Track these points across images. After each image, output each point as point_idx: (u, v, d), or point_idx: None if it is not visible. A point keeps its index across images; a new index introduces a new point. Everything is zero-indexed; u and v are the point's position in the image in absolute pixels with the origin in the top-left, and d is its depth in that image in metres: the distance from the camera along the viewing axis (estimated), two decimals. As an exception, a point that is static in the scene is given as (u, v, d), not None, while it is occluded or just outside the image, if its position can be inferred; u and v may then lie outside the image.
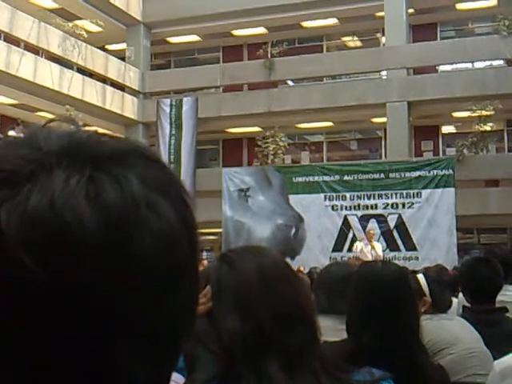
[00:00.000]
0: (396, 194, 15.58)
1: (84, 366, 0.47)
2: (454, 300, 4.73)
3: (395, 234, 15.41)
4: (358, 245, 14.40)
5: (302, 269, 11.55)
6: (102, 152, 0.51)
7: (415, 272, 3.90)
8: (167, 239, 0.50)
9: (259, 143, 19.18)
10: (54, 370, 0.46)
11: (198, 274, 0.56)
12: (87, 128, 0.56)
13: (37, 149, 0.50)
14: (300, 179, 16.47)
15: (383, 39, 20.96)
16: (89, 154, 0.50)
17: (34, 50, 17.96)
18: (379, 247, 14.16)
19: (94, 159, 0.50)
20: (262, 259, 1.50)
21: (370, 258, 12.72)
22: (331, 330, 2.64)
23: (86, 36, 18.73)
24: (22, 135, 0.54)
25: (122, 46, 22.34)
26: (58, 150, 0.50)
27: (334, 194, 16.07)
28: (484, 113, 17.54)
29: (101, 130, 0.57)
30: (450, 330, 3.17)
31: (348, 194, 15.96)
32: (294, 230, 16.40)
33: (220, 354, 1.42)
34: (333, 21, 21.56)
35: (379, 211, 15.62)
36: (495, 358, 2.45)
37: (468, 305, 3.79)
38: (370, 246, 13.91)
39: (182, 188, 0.55)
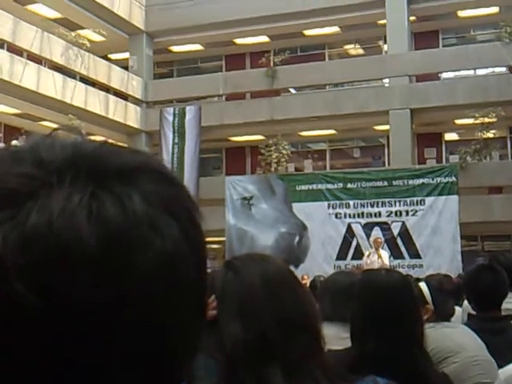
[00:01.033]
0: (399, 201, 15.57)
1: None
2: (457, 308, 4.71)
3: (399, 241, 15.38)
4: (370, 251, 14.23)
5: (306, 277, 11.54)
6: (106, 168, 0.49)
7: (419, 280, 3.90)
8: (170, 260, 0.49)
9: (262, 151, 19.19)
10: None
11: (204, 295, 0.54)
12: (92, 137, 0.55)
13: (39, 163, 0.49)
14: (303, 187, 16.46)
15: (385, 47, 20.99)
16: (92, 170, 0.49)
17: (37, 59, 18.02)
18: (386, 256, 14.06)
19: (97, 176, 0.48)
20: (266, 267, 1.51)
21: (376, 266, 12.67)
22: (335, 338, 2.64)
23: (88, 45, 18.80)
24: (24, 145, 0.52)
25: (125, 55, 22.40)
26: (60, 163, 0.49)
27: (338, 202, 16.06)
28: (487, 120, 17.54)
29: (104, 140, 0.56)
30: (453, 338, 3.15)
31: (351, 202, 15.94)
32: (297, 238, 16.38)
33: (222, 360, 1.42)
34: (335, 29, 21.61)
35: (383, 219, 15.60)
36: (500, 367, 2.44)
37: (473, 312, 3.77)
38: (376, 255, 13.85)
39: (192, 206, 0.53)
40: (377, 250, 14.00)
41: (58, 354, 0.45)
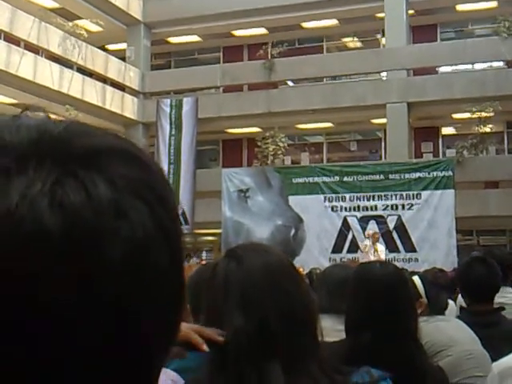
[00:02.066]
0: (396, 195, 15.57)
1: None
2: (451, 302, 4.73)
3: (395, 235, 15.40)
4: (366, 243, 14.24)
5: (301, 270, 11.55)
6: (71, 151, 0.47)
7: (414, 274, 3.91)
8: (139, 246, 0.46)
9: (259, 144, 19.19)
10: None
11: (180, 286, 0.51)
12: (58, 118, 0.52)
13: (1, 148, 0.46)
14: (300, 180, 16.45)
15: (383, 40, 20.97)
16: (57, 154, 0.46)
17: (34, 49, 17.96)
18: (383, 250, 14.06)
19: (61, 160, 0.46)
20: (269, 257, 1.51)
21: (372, 259, 12.67)
22: (331, 330, 2.65)
23: (86, 36, 18.74)
24: None
25: (123, 45, 22.34)
26: (24, 148, 0.46)
27: (334, 195, 16.06)
28: (484, 114, 17.56)
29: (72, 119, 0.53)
30: (447, 332, 3.17)
31: (348, 195, 15.94)
32: (293, 231, 16.39)
33: (215, 351, 1.42)
34: (333, 22, 21.57)
35: (379, 212, 15.61)
36: (493, 360, 2.46)
37: (465, 306, 3.79)
38: (373, 249, 13.86)
39: (165, 191, 0.51)
40: (374, 244, 14.01)
41: (16, 341, 0.44)
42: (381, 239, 14.98)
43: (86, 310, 0.45)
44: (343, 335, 2.30)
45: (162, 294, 0.49)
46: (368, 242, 14.12)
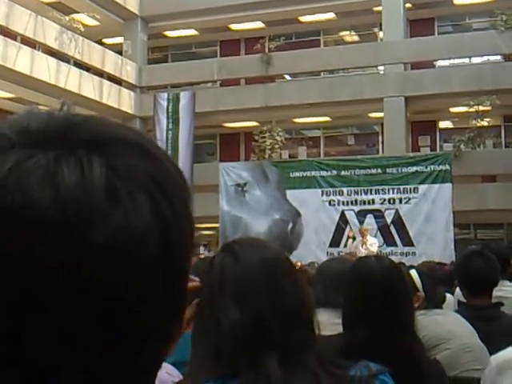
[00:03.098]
0: (393, 189, 15.58)
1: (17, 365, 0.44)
2: (449, 295, 4.73)
3: (392, 229, 15.41)
4: (350, 243, 14.51)
5: (298, 264, 11.55)
6: (77, 137, 0.48)
7: (412, 267, 3.91)
8: (131, 236, 0.46)
9: (256, 138, 19.18)
10: None
11: (176, 278, 0.50)
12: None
13: (15, 127, 0.48)
14: (297, 174, 16.44)
15: (381, 34, 20.94)
16: (63, 137, 0.47)
17: (31, 43, 17.91)
18: (375, 241, 14.10)
19: (65, 142, 0.47)
20: (265, 252, 1.51)
21: (363, 253, 12.71)
22: (328, 324, 2.65)
23: (82, 30, 18.69)
24: (18, 115, 0.51)
25: (119, 39, 22.29)
26: (35, 130, 0.48)
27: (331, 189, 16.06)
28: (481, 108, 17.56)
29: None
30: (445, 326, 3.17)
31: (345, 189, 15.94)
32: (290, 225, 16.39)
33: (207, 345, 1.42)
34: (330, 15, 21.54)
35: (376, 206, 15.62)
36: (491, 353, 2.46)
37: (464, 300, 3.79)
38: (361, 243, 13.92)
39: (172, 184, 0.51)
40: (363, 237, 14.06)
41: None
42: (374, 234, 15.03)
43: (68, 294, 0.44)
44: (340, 329, 2.31)
45: (155, 287, 0.48)
46: (354, 242, 14.29)
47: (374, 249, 13.56)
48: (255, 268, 1.46)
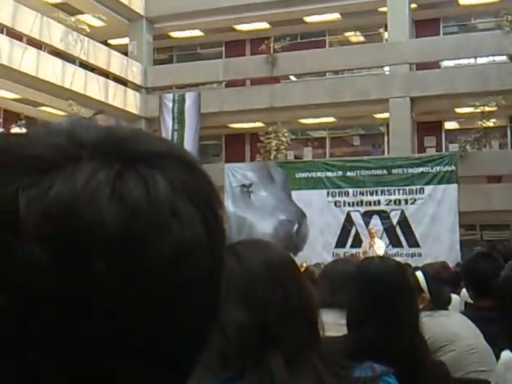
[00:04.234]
0: (399, 190, 15.57)
1: (76, 370, 0.46)
2: (455, 297, 4.73)
3: (398, 230, 15.41)
4: (365, 244, 14.41)
5: (304, 264, 11.56)
6: (135, 151, 0.49)
7: (418, 269, 3.91)
8: (187, 248, 0.48)
9: (262, 139, 19.17)
10: (45, 372, 0.45)
11: (217, 290, 0.53)
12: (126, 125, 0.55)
13: (71, 139, 0.49)
14: (302, 175, 16.46)
15: (386, 34, 20.92)
16: (122, 152, 0.49)
17: (37, 44, 17.95)
18: (382, 245, 14.06)
19: (125, 157, 0.48)
20: (269, 253, 1.51)
21: (370, 255, 12.68)
22: (333, 325, 2.65)
23: (88, 30, 18.71)
24: (61, 123, 0.52)
25: (125, 40, 22.32)
26: (92, 143, 0.49)
27: (337, 190, 16.07)
28: (487, 109, 17.51)
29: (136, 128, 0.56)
30: (450, 327, 3.17)
31: (351, 190, 15.95)
32: (296, 226, 16.40)
33: (222, 351, 1.42)
34: (336, 16, 21.52)
35: (382, 207, 15.62)
36: (497, 355, 2.46)
37: (470, 301, 3.78)
38: (369, 245, 13.89)
39: (214, 197, 0.53)
40: (371, 239, 14.04)
41: (57, 318, 0.45)
42: (380, 235, 15.02)
43: (131, 302, 0.46)
44: (345, 330, 2.31)
45: (199, 296, 0.50)
46: (366, 242, 14.24)
47: (381, 252, 13.52)
48: (259, 269, 1.46)
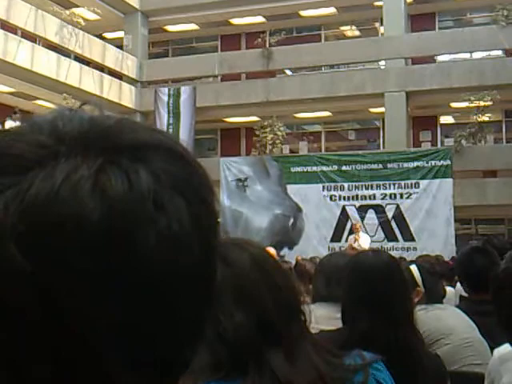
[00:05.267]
0: (394, 184, 15.58)
1: (68, 371, 0.45)
2: (450, 290, 4.74)
3: (393, 224, 15.42)
4: (350, 239, 14.50)
5: (299, 258, 11.56)
6: (118, 143, 0.48)
7: (413, 262, 3.91)
8: (174, 239, 0.47)
9: (257, 133, 19.16)
10: (36, 374, 0.45)
11: (212, 282, 0.52)
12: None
13: (52, 133, 0.48)
14: (298, 169, 16.45)
15: (381, 29, 20.91)
16: (105, 144, 0.48)
17: (31, 37, 17.89)
18: (366, 239, 14.01)
19: (108, 150, 0.48)
20: (252, 250, 1.50)
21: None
22: (329, 318, 2.66)
23: (83, 24, 18.66)
24: (45, 116, 0.51)
25: (120, 34, 22.26)
26: (75, 135, 0.48)
27: (332, 184, 16.06)
28: (482, 103, 17.53)
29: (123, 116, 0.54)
30: (445, 320, 3.18)
31: (346, 185, 15.95)
32: (292, 220, 16.40)
33: (221, 354, 1.41)
34: (331, 10, 21.50)
35: (377, 202, 15.62)
36: (491, 348, 2.47)
37: (465, 295, 3.80)
38: (354, 239, 13.92)
39: (206, 187, 0.52)
40: (356, 234, 14.06)
41: (43, 334, 0.44)
42: (375, 229, 15.05)
43: (117, 296, 0.45)
44: (340, 323, 2.31)
45: (190, 288, 0.49)
46: (351, 237, 14.29)
47: (366, 246, 13.50)
48: (248, 267, 1.46)
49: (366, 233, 14.66)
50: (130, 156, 0.48)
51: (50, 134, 0.48)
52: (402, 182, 15.54)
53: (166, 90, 19.73)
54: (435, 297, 3.36)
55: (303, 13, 21.76)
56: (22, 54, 16.74)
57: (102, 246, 0.45)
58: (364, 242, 13.71)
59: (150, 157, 0.49)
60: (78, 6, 19.95)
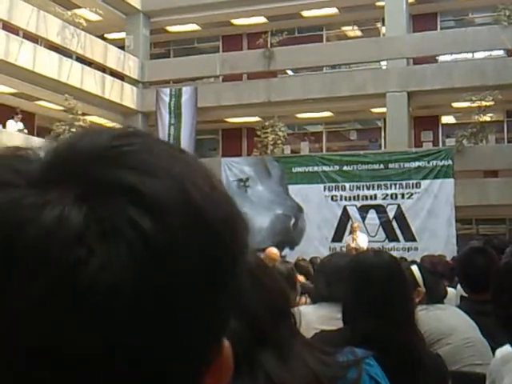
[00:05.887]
0: (395, 184, 15.58)
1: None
2: (451, 290, 4.74)
3: (394, 224, 15.42)
4: (347, 239, 14.51)
5: (300, 258, 11.56)
6: (84, 181, 0.45)
7: (414, 263, 3.91)
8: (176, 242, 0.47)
9: (258, 133, 19.15)
10: None
11: (218, 270, 0.49)
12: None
13: (18, 168, 0.47)
14: (299, 169, 16.46)
15: (383, 29, 20.90)
16: (69, 175, 0.46)
17: (33, 38, 17.90)
18: (364, 239, 14.00)
19: (70, 180, 0.45)
20: None
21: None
22: (330, 318, 2.66)
23: (85, 25, 18.67)
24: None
25: (122, 34, 22.27)
26: (37, 167, 0.46)
27: (334, 185, 16.07)
28: (484, 103, 17.51)
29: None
30: (446, 320, 3.18)
31: (347, 185, 15.95)
32: (293, 221, 16.41)
33: None
34: (333, 10, 21.49)
35: (378, 202, 15.62)
36: (492, 348, 2.47)
37: (466, 295, 3.79)
38: (352, 238, 13.91)
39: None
40: (353, 233, 14.05)
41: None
42: (376, 229, 15.05)
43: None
44: (341, 323, 2.31)
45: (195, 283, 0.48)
46: (348, 237, 14.29)
47: (364, 245, 13.48)
48: None
49: (367, 233, 14.67)
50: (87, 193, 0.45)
51: (16, 168, 0.47)
52: (404, 182, 15.53)
53: (168, 90, 19.73)
54: (436, 297, 3.36)
55: (305, 13, 21.75)
56: (24, 55, 16.76)
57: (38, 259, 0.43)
58: (362, 241, 13.71)
59: (98, 200, 0.45)
60: (79, 7, 19.96)
